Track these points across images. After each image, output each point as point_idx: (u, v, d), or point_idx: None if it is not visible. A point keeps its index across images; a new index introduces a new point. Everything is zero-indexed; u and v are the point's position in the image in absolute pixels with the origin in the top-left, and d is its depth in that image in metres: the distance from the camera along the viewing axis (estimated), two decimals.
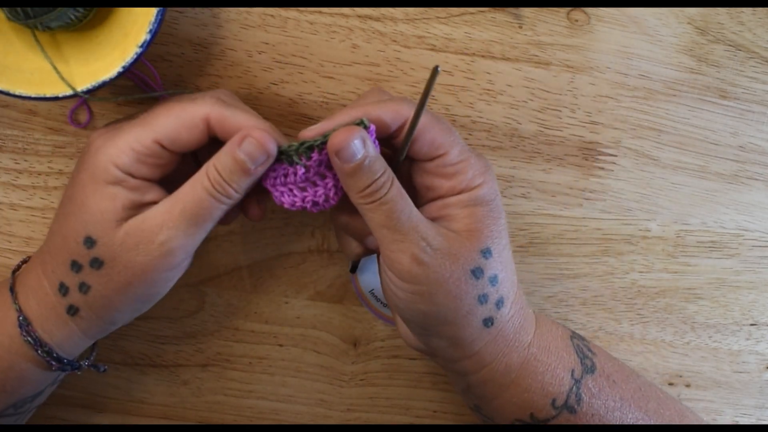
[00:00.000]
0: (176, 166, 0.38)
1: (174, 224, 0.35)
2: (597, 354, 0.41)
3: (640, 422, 0.40)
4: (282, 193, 0.37)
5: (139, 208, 0.36)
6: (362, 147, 0.35)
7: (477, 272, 0.36)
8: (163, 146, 0.35)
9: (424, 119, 0.36)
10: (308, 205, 0.38)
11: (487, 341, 0.38)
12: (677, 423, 0.41)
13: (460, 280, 0.36)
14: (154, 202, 0.36)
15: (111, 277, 0.35)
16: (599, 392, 0.39)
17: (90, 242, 0.35)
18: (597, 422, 0.39)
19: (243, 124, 0.35)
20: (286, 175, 0.37)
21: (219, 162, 0.35)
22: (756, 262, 0.49)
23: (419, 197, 0.39)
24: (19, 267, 0.40)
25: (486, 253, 0.36)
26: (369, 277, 0.48)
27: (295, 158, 0.36)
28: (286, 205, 0.38)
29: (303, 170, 0.36)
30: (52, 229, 0.37)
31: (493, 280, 0.37)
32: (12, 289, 0.38)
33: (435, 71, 0.33)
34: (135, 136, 0.35)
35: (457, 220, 0.37)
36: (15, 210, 0.45)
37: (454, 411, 0.51)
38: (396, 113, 0.36)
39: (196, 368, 0.49)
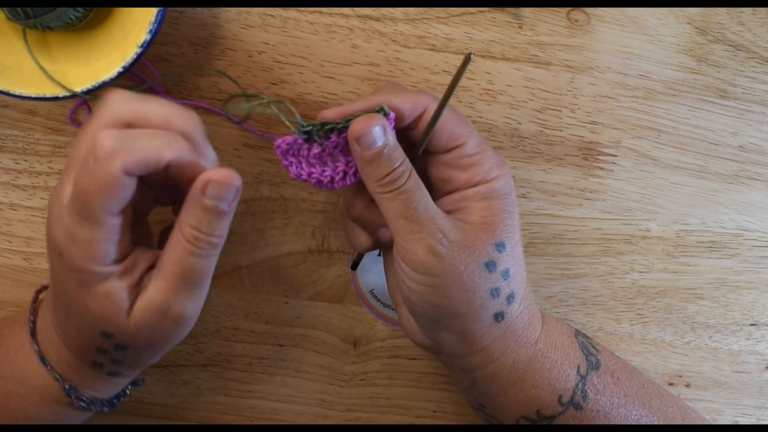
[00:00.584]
0: (135, 204, 0.36)
1: (176, 297, 0.35)
2: (601, 351, 0.41)
3: (644, 419, 0.40)
4: (291, 162, 0.37)
5: (137, 287, 0.35)
6: (382, 135, 0.34)
7: (490, 265, 0.36)
8: (115, 213, 0.33)
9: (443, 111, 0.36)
10: (312, 181, 0.38)
11: (497, 336, 0.38)
12: (680, 420, 0.41)
13: (474, 273, 0.36)
14: (145, 265, 0.35)
15: (138, 352, 0.37)
16: (604, 389, 0.39)
17: (107, 335, 0.35)
18: (602, 419, 0.39)
19: (165, 157, 0.32)
20: (300, 149, 0.37)
21: (190, 219, 0.34)
22: (756, 262, 0.49)
23: (435, 190, 0.39)
24: (33, 324, 0.39)
25: (500, 246, 0.36)
26: (369, 277, 0.48)
27: (315, 137, 0.36)
28: (291, 175, 0.38)
29: (318, 149, 0.36)
30: (60, 319, 0.37)
31: (505, 274, 0.37)
32: (43, 359, 0.38)
33: (467, 59, 0.32)
34: (89, 230, 0.32)
35: (472, 212, 0.36)
36: (15, 210, 0.45)
37: (454, 411, 0.51)
38: (415, 104, 0.36)
39: (196, 368, 0.49)
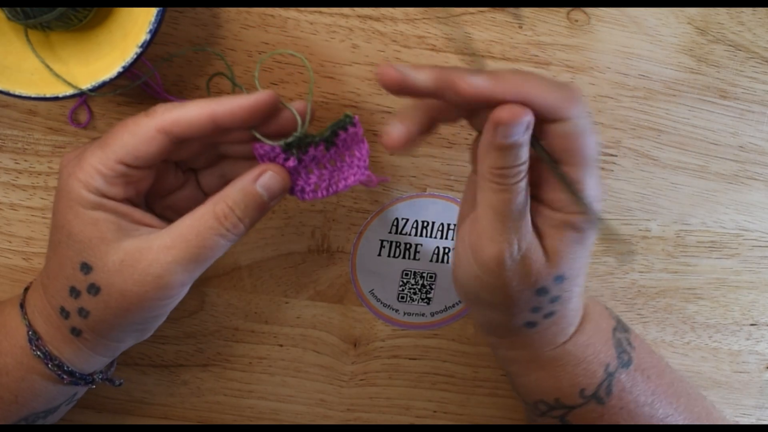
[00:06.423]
0: (157, 180, 0.37)
1: (174, 260, 0.34)
2: (636, 347, 0.41)
3: (670, 418, 0.40)
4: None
5: (129, 229, 0.35)
6: (523, 132, 0.32)
7: (541, 292, 0.36)
8: (128, 165, 0.34)
9: (585, 124, 0.33)
10: None
11: (524, 335, 0.38)
12: (705, 420, 0.41)
13: (523, 293, 0.35)
14: (143, 222, 0.35)
15: (108, 303, 0.35)
16: (631, 387, 0.39)
17: (86, 268, 0.34)
18: (625, 415, 0.39)
19: (197, 114, 0.34)
20: (276, 157, 0.36)
21: (230, 198, 0.34)
22: (756, 262, 0.49)
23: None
24: (31, 283, 0.40)
25: (559, 279, 0.35)
26: (369, 277, 0.48)
27: (294, 150, 0.36)
28: None
29: (294, 163, 0.36)
30: (47, 255, 0.37)
31: (554, 299, 0.36)
32: (22, 306, 0.38)
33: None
34: (98, 158, 0.34)
35: (545, 237, 0.35)
36: (15, 210, 0.45)
37: (454, 411, 0.51)
38: (557, 109, 0.32)
39: (196, 368, 0.49)
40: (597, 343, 0.39)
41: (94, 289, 0.35)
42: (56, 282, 0.36)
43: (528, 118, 0.32)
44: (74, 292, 0.35)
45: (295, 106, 0.37)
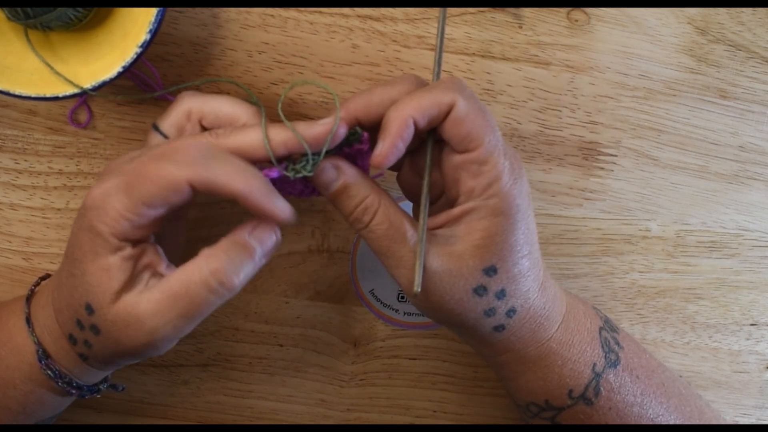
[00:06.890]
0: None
1: (164, 316, 0.33)
2: (624, 347, 0.41)
3: (660, 418, 0.40)
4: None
5: (134, 279, 0.34)
6: (336, 174, 0.35)
7: (480, 290, 0.35)
8: (155, 208, 0.33)
9: (468, 107, 0.34)
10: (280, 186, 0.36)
11: (500, 339, 0.38)
12: (696, 419, 0.41)
13: (462, 299, 0.35)
14: (150, 266, 0.35)
15: (106, 345, 0.35)
16: (620, 387, 0.39)
17: (90, 309, 0.34)
18: (614, 416, 0.39)
19: (226, 185, 0.32)
20: (261, 167, 0.35)
21: (222, 254, 0.34)
22: (756, 262, 0.49)
23: (446, 189, 0.37)
24: (32, 292, 0.40)
25: (489, 271, 0.35)
26: (369, 277, 0.48)
27: (291, 175, 0.35)
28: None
29: (278, 174, 0.35)
30: (61, 279, 0.36)
31: (500, 294, 0.36)
32: (29, 321, 0.38)
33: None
34: (124, 205, 0.33)
35: (469, 231, 0.35)
36: (15, 210, 0.45)
37: (454, 411, 0.51)
38: (433, 107, 0.34)
39: (196, 368, 0.49)
40: (582, 342, 0.39)
41: (95, 329, 0.35)
42: (66, 312, 0.36)
43: (331, 162, 0.35)
44: (80, 325, 0.35)
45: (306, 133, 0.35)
